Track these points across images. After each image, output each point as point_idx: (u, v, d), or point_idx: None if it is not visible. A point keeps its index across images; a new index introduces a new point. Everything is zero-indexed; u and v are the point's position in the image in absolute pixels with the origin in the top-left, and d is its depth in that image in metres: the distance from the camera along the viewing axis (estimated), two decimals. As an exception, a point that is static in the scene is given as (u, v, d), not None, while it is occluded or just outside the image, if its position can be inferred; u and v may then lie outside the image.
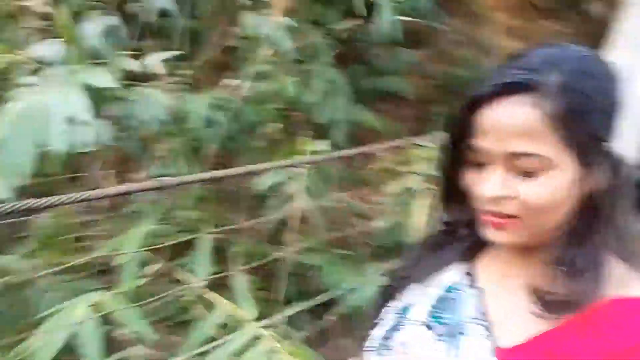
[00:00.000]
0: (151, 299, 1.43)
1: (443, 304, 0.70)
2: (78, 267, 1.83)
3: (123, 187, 1.32)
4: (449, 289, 0.71)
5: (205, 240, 1.41)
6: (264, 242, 3.02)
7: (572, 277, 0.59)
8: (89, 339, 1.21)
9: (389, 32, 2.78)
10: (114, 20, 1.70)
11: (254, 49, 2.78)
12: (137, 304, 1.36)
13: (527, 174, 0.60)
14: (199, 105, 1.99)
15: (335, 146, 2.65)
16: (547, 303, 0.59)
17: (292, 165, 1.67)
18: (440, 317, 0.68)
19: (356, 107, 3.47)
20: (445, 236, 0.77)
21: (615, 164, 0.63)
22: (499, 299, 0.67)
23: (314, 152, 1.95)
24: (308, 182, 1.82)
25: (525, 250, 0.67)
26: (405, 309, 0.72)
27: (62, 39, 1.41)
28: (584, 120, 0.59)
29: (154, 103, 1.65)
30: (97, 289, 1.37)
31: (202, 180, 1.34)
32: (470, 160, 0.65)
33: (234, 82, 2.58)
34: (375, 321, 0.74)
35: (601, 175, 0.61)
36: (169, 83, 2.05)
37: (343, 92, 3.04)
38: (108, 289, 1.36)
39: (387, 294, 0.77)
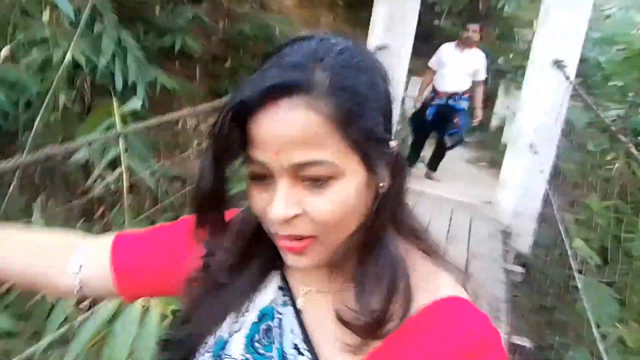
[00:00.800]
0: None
1: (262, 335, 0.60)
2: None
3: None
4: (265, 315, 0.62)
5: (37, 218, 1.32)
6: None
7: (365, 293, 0.55)
8: None
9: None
10: None
11: (31, 12, 2.48)
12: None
13: (315, 185, 0.53)
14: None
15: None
16: (354, 328, 0.54)
17: (114, 135, 1.59)
18: (263, 354, 0.59)
19: (148, 67, 3.36)
20: (251, 245, 0.64)
21: (395, 161, 0.57)
22: (318, 312, 0.60)
23: (125, 116, 1.88)
24: (130, 150, 1.77)
25: (328, 265, 0.59)
26: (221, 345, 0.61)
27: None
28: (360, 119, 0.53)
29: None
30: None
31: (23, 164, 1.23)
32: (250, 174, 0.55)
33: (4, 51, 2.29)
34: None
35: (384, 176, 0.56)
36: None
37: (133, 53, 2.92)
38: None
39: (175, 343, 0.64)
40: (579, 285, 2.69)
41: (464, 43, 4.61)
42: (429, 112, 4.70)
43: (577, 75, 4.17)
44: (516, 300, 3.55)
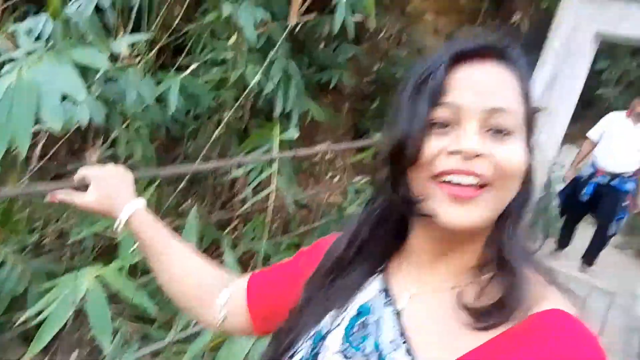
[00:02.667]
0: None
1: (359, 328, 0.63)
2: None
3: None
4: (364, 311, 0.65)
5: (193, 223, 1.44)
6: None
7: (506, 283, 0.56)
8: (97, 308, 1.21)
9: (343, 28, 2.89)
10: (101, 1, 1.65)
11: (218, 35, 2.78)
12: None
13: (500, 136, 0.57)
14: (172, 88, 1.98)
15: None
16: (478, 315, 0.55)
17: (270, 158, 1.71)
18: (357, 344, 0.61)
19: (304, 98, 3.56)
20: (354, 252, 0.69)
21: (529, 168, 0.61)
22: (419, 315, 0.62)
23: (283, 141, 2.00)
24: (282, 173, 1.87)
25: (442, 254, 0.62)
26: (321, 336, 0.65)
27: (50, 16, 1.36)
28: (530, 97, 0.60)
29: (141, 84, 1.62)
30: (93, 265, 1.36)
31: (187, 172, 1.36)
32: (436, 122, 0.58)
33: (193, 65, 2.56)
34: (286, 348, 0.67)
35: (531, 157, 0.60)
36: (135, 65, 2.01)
37: (296, 83, 3.11)
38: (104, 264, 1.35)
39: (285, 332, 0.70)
40: None
41: (637, 115, 4.04)
42: (586, 191, 4.07)
43: None
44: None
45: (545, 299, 0.56)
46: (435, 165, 0.57)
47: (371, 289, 0.67)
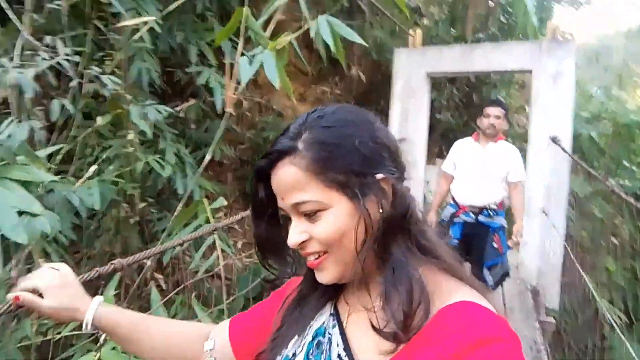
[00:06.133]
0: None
1: (315, 349, 0.73)
2: None
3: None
4: (318, 333, 0.75)
5: (156, 298, 1.64)
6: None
7: (390, 305, 0.65)
8: None
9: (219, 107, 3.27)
10: (32, 124, 1.80)
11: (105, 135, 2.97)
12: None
13: (313, 216, 0.68)
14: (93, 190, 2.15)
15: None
16: (384, 334, 0.64)
17: (211, 231, 1.92)
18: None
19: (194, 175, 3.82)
20: (312, 285, 0.79)
21: (391, 189, 0.69)
22: (358, 329, 0.72)
23: (213, 211, 2.26)
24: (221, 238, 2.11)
25: (359, 283, 0.73)
26: None
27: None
28: (332, 163, 0.67)
29: (86, 191, 1.77)
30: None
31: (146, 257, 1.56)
32: (284, 216, 0.73)
33: (94, 167, 2.71)
34: None
35: (375, 203, 0.68)
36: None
37: (188, 163, 3.38)
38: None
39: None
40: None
41: (486, 134, 3.39)
42: (453, 235, 3.37)
43: (574, 151, 4.62)
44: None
45: (454, 293, 0.66)
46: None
47: (324, 314, 0.78)
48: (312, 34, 1.98)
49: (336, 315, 0.76)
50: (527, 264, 4.65)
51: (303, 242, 0.70)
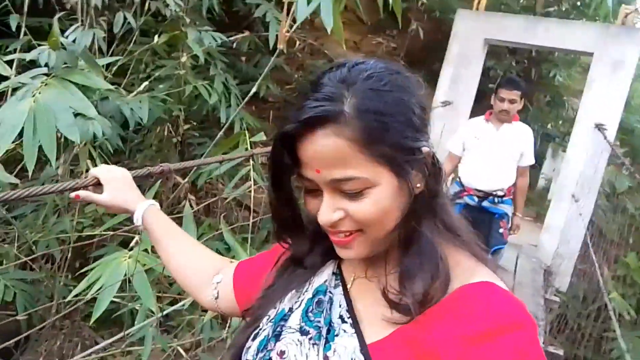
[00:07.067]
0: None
1: (315, 307, 0.70)
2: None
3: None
4: (319, 291, 0.72)
5: (189, 217, 1.75)
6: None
7: (410, 280, 0.61)
8: (140, 279, 1.48)
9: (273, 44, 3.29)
10: (96, 32, 1.90)
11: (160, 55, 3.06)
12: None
13: (354, 195, 0.61)
14: (143, 104, 2.26)
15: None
16: (397, 306, 0.61)
17: (249, 155, 1.99)
18: (313, 320, 0.68)
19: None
20: (313, 241, 0.75)
21: (429, 165, 0.63)
22: (363, 295, 0.69)
23: (253, 145, 2.35)
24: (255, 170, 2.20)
25: (374, 256, 0.68)
26: (282, 316, 0.72)
27: (50, 47, 1.61)
28: (384, 136, 0.59)
29: (137, 104, 1.88)
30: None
31: (183, 168, 1.65)
32: (304, 187, 0.66)
33: (145, 83, 2.82)
34: (251, 331, 0.75)
35: (418, 179, 0.63)
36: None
37: (234, 94, 3.46)
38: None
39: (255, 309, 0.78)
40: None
41: (500, 116, 3.19)
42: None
43: (623, 144, 4.48)
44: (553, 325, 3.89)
45: (475, 272, 0.63)
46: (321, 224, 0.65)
47: (326, 272, 0.75)
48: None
49: (340, 275, 0.74)
50: (546, 245, 4.69)
51: (336, 220, 0.63)
